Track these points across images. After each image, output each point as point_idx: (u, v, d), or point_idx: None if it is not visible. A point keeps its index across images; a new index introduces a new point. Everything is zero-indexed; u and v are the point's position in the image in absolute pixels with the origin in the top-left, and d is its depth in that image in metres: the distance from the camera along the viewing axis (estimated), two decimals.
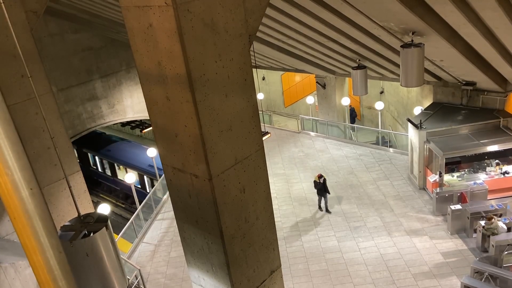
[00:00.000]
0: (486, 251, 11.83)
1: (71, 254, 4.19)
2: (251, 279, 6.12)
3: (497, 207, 12.48)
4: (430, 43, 11.14)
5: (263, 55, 19.47)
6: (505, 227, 11.84)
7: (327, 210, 15.26)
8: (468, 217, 12.64)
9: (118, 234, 14.66)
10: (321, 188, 15.05)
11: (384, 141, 21.13)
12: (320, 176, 15.13)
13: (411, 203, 14.97)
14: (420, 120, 14.80)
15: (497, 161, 14.50)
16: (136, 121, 27.11)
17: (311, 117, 22.98)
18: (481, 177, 14.34)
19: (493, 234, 11.66)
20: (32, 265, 3.53)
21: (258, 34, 14.85)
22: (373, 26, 11.44)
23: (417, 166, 15.45)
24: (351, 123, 22.84)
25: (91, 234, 4.28)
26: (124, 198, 25.52)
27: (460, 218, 12.87)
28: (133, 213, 16.42)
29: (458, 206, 12.92)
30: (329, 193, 15.20)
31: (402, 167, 17.29)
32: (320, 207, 15.44)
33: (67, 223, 4.52)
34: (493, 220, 11.74)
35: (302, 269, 12.65)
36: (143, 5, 4.53)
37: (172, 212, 6.59)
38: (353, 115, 23.80)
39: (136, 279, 12.50)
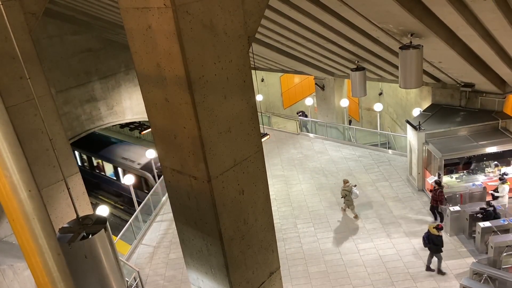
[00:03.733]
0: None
1: (70, 256, 4.18)
2: (250, 281, 6.10)
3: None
4: (429, 44, 11.16)
5: (262, 57, 19.50)
6: (357, 193, 14.27)
7: (440, 271, 11.72)
8: (466, 219, 12.65)
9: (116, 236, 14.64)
10: (439, 243, 11.51)
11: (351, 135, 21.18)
12: (440, 228, 11.51)
13: (410, 205, 14.98)
14: (419, 122, 14.83)
15: (495, 162, 14.51)
16: (135, 122, 27.07)
17: (310, 119, 22.99)
18: (480, 178, 14.35)
19: (346, 196, 14.12)
20: (30, 267, 3.53)
21: (257, 35, 14.86)
22: (372, 27, 11.46)
23: (416, 167, 15.46)
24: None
25: (90, 236, 4.27)
26: None
27: (459, 220, 12.88)
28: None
29: (457, 208, 12.93)
30: (442, 249, 11.61)
31: (401, 169, 17.29)
32: (430, 268, 11.87)
33: (65, 225, 4.51)
34: (348, 183, 14.04)
35: (301, 270, 12.64)
36: (142, 7, 4.52)
37: (171, 214, 6.57)
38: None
39: (135, 281, 12.48)
